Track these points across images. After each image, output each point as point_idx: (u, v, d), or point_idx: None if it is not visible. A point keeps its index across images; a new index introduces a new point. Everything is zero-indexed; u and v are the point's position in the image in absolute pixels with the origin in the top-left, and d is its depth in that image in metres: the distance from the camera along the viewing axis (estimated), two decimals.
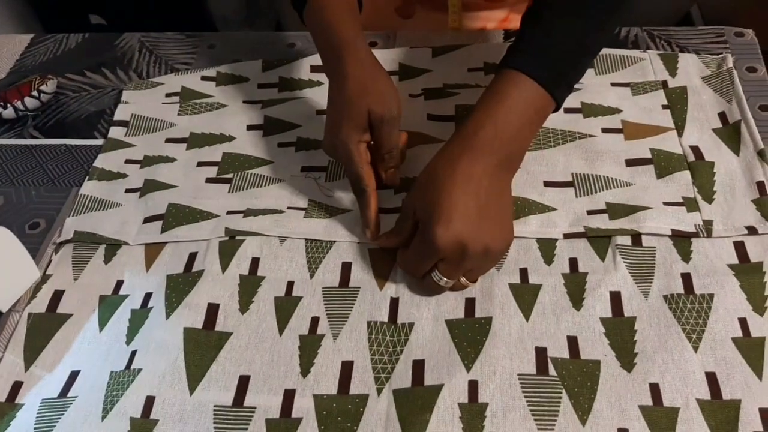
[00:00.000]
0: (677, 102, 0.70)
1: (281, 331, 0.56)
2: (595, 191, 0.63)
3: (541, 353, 0.53)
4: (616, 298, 0.56)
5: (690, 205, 0.61)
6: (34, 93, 0.77)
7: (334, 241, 0.62)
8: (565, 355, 0.53)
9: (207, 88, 0.79)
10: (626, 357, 0.52)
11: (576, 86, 0.72)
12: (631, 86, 0.72)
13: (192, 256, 0.62)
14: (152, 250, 0.63)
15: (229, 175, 0.69)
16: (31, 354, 0.58)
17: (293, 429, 0.51)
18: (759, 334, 0.53)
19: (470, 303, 0.57)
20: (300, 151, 0.70)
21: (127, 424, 0.52)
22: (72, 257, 0.64)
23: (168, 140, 0.74)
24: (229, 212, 0.65)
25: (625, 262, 0.58)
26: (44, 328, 0.59)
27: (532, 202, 0.63)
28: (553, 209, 0.62)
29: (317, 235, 0.62)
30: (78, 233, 0.65)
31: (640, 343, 0.53)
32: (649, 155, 0.65)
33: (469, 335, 0.54)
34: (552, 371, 0.52)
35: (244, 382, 0.54)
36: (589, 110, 0.70)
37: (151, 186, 0.69)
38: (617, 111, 0.70)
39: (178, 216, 0.65)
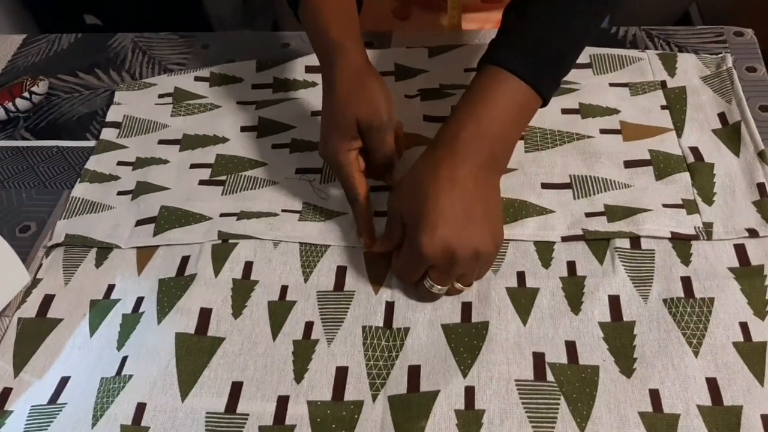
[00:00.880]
0: (676, 102, 0.69)
1: (275, 336, 0.56)
2: (594, 193, 0.62)
3: (538, 358, 0.52)
4: (614, 302, 0.55)
5: (690, 207, 0.60)
6: (26, 94, 0.76)
7: (329, 245, 0.61)
8: (564, 360, 0.52)
9: (200, 88, 0.78)
10: (625, 362, 0.52)
11: (574, 86, 0.71)
12: (630, 86, 0.71)
13: (184, 260, 0.61)
14: (144, 254, 0.62)
15: (223, 177, 0.68)
16: (20, 360, 0.57)
17: None
18: (760, 339, 0.52)
19: (467, 307, 0.56)
20: (294, 153, 0.69)
21: None
22: (63, 261, 0.63)
23: (161, 142, 0.73)
24: (222, 215, 0.64)
25: (624, 265, 0.57)
26: (34, 334, 0.58)
27: (529, 205, 0.62)
28: (551, 211, 0.61)
29: (312, 239, 0.61)
30: (69, 236, 0.64)
31: (640, 348, 0.52)
32: (647, 156, 0.65)
33: (466, 340, 0.54)
34: (550, 377, 0.51)
35: (236, 389, 0.53)
36: (587, 111, 0.69)
37: (143, 188, 0.68)
38: (615, 111, 0.69)
39: (170, 219, 0.64)
